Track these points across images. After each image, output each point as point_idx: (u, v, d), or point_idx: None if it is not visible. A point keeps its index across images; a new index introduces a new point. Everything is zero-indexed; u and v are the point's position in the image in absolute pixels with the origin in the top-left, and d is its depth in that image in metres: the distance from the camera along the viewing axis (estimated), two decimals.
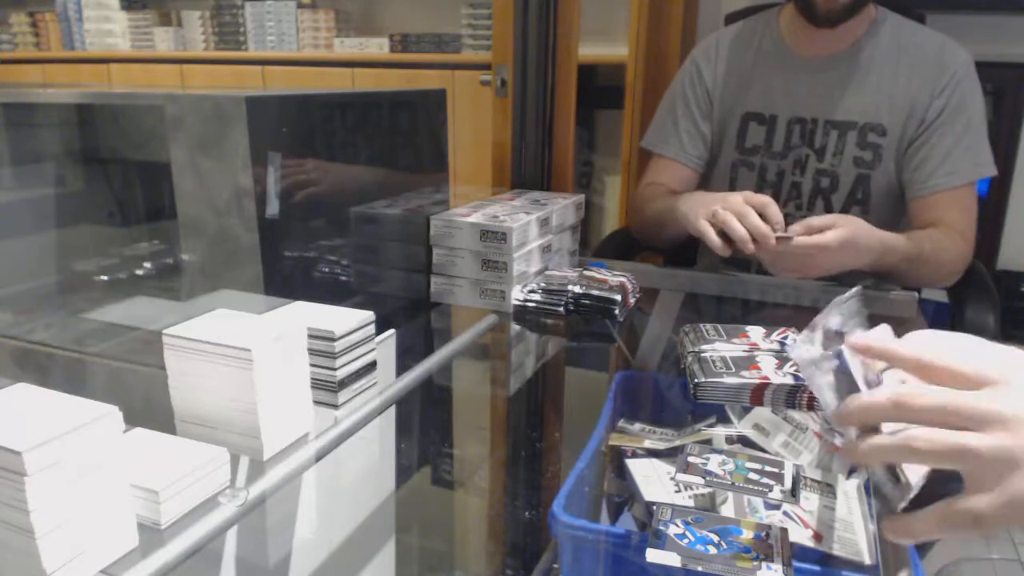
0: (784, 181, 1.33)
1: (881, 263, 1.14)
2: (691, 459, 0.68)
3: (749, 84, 1.34)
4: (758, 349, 0.83)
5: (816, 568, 0.57)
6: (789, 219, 1.36)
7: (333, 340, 0.65)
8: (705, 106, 1.38)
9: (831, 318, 0.57)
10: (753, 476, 0.65)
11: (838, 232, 1.04)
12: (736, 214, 1.04)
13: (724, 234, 1.05)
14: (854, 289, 0.59)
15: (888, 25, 1.28)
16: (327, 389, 0.67)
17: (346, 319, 0.68)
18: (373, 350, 0.71)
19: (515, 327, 1.08)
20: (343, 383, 0.68)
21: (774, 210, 1.04)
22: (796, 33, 1.31)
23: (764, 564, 0.55)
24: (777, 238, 1.02)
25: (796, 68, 1.31)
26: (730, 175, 1.37)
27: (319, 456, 0.64)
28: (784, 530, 0.59)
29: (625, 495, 0.80)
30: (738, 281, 1.24)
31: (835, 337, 0.56)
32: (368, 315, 0.70)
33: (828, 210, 1.31)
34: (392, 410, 0.76)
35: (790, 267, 1.09)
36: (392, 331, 0.76)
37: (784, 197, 1.34)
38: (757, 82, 1.34)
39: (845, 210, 1.31)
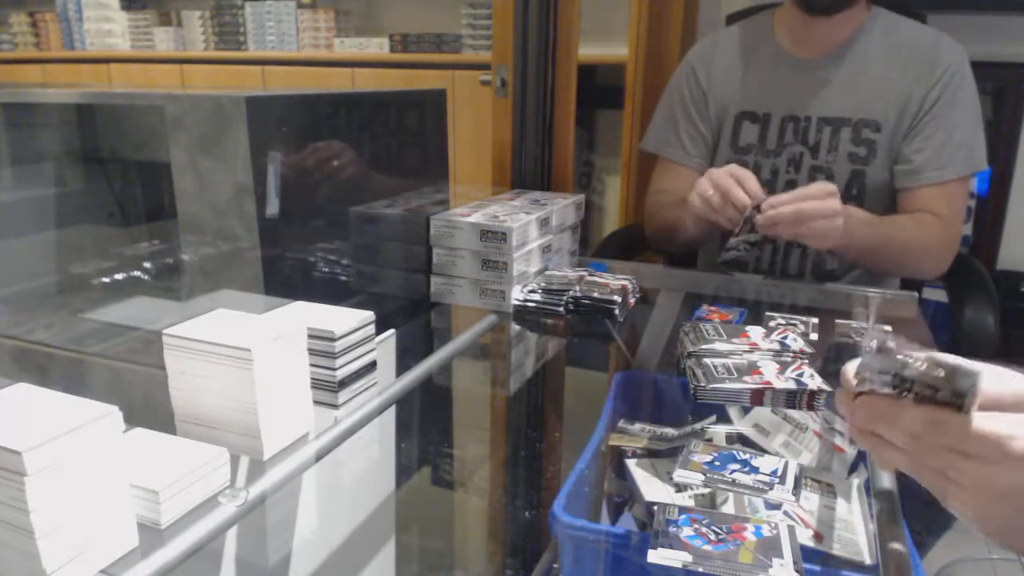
0: (779, 179, 1.33)
1: (853, 234, 1.14)
2: (691, 458, 0.68)
3: (743, 84, 1.36)
4: (758, 349, 0.83)
5: (816, 568, 0.57)
6: None
7: (333, 340, 0.65)
8: (702, 108, 1.39)
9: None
10: (753, 476, 0.65)
11: (825, 183, 1.10)
12: (721, 189, 1.13)
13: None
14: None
15: (880, 23, 1.29)
16: (327, 389, 0.67)
17: (346, 319, 0.68)
18: (373, 350, 0.71)
19: (515, 327, 1.08)
20: (343, 383, 0.68)
21: (753, 183, 1.12)
22: (790, 32, 1.33)
23: (764, 564, 0.55)
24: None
25: (789, 67, 1.32)
26: None
27: (319, 456, 0.64)
28: (791, 527, 0.59)
29: (625, 495, 0.80)
30: (738, 281, 1.24)
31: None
32: (368, 315, 0.70)
33: None
34: (392, 410, 0.76)
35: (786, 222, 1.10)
36: (392, 331, 0.76)
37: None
38: (751, 81, 1.35)
39: None
